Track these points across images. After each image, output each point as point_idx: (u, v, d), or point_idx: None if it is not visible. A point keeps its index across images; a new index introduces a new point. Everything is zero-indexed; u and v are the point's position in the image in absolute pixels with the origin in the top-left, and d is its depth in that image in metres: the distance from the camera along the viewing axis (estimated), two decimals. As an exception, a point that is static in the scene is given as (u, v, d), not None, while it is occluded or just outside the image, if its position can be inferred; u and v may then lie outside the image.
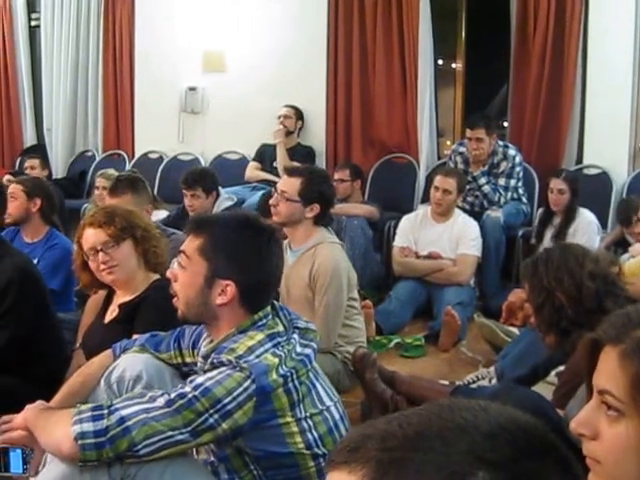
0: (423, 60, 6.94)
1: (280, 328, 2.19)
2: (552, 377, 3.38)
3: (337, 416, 2.22)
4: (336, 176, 6.24)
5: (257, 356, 2.07)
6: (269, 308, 2.25)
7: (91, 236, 3.19)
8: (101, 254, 3.16)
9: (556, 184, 5.66)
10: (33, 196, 4.67)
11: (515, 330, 4.32)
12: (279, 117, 7.09)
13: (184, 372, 2.55)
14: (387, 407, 3.52)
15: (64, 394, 2.60)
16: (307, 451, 2.14)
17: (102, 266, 3.17)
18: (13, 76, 8.97)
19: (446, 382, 3.81)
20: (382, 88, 7.13)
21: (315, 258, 3.92)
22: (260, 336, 2.13)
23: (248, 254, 2.22)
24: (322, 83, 7.34)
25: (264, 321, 2.20)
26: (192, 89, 7.78)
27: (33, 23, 9.01)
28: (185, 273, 2.25)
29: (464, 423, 0.82)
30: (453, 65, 7.67)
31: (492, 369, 3.82)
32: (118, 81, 8.31)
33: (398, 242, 5.66)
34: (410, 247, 5.59)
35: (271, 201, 4.06)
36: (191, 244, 2.26)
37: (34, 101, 9.01)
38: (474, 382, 3.82)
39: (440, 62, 7.51)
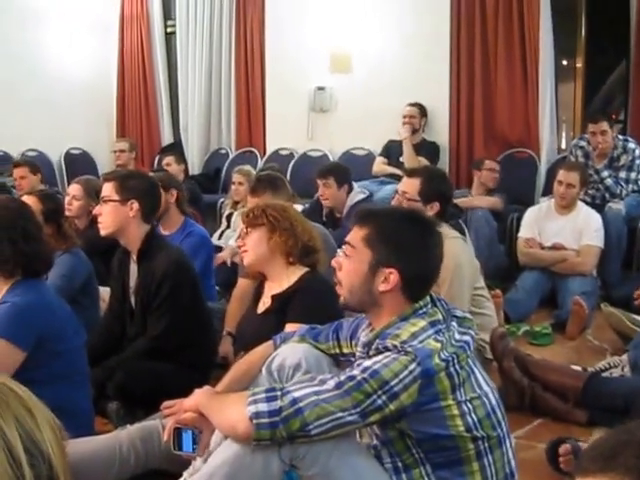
0: (544, 56, 7.09)
1: (439, 316, 2.23)
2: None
3: (494, 401, 2.24)
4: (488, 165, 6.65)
5: (420, 341, 2.12)
6: (428, 298, 2.30)
7: None
8: (239, 239, 3.53)
9: None
10: (169, 188, 4.88)
11: (642, 319, 4.51)
12: (404, 117, 7.33)
13: (341, 362, 2.65)
14: (523, 394, 3.72)
15: (229, 381, 2.73)
16: (467, 434, 2.16)
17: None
18: (151, 80, 9.49)
19: (578, 368, 3.96)
20: (503, 84, 7.31)
21: None
22: (422, 323, 2.19)
23: (411, 243, 2.28)
24: (445, 80, 7.54)
25: (424, 309, 2.25)
26: (320, 89, 8.12)
27: (169, 30, 9.52)
28: (350, 262, 2.32)
29: None
30: (572, 62, 7.75)
31: (624, 357, 3.95)
32: (250, 82, 8.69)
33: (523, 233, 5.84)
34: (535, 238, 5.76)
35: (393, 202, 4.21)
36: (356, 235, 2.32)
37: (171, 103, 9.52)
38: (606, 369, 3.97)
39: (560, 58, 7.58)
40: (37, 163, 7.14)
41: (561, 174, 5.71)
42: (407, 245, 2.28)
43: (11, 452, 1.49)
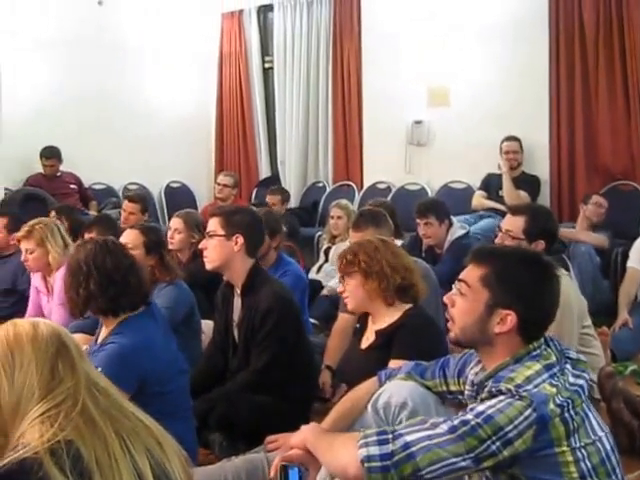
0: (646, 85, 6.94)
1: (553, 358, 2.19)
2: None
3: (608, 447, 2.17)
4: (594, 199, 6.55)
5: (535, 386, 2.08)
6: (542, 338, 2.27)
7: None
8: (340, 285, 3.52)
9: None
10: (274, 234, 4.87)
11: None
12: (507, 152, 7.26)
13: (448, 400, 2.62)
14: (634, 436, 3.60)
15: (335, 417, 2.76)
16: None
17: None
18: (249, 114, 9.68)
19: None
20: (605, 114, 7.19)
21: None
22: (537, 366, 2.15)
23: (530, 286, 2.24)
24: (545, 111, 7.46)
25: (539, 351, 2.21)
26: (418, 122, 8.13)
27: (266, 65, 9.71)
28: (465, 300, 2.30)
29: None
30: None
31: None
32: (347, 116, 8.77)
33: (633, 263, 5.63)
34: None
35: (496, 240, 4.09)
36: (473, 273, 2.30)
37: (268, 137, 9.68)
38: None
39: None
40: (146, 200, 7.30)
41: None
42: (526, 287, 2.25)
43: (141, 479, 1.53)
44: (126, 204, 6.87)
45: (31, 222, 4.86)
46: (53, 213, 6.13)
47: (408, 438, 2.09)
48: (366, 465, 2.08)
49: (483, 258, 2.34)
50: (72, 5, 8.60)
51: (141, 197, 7.23)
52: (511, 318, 2.21)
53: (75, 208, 7.04)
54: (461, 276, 2.35)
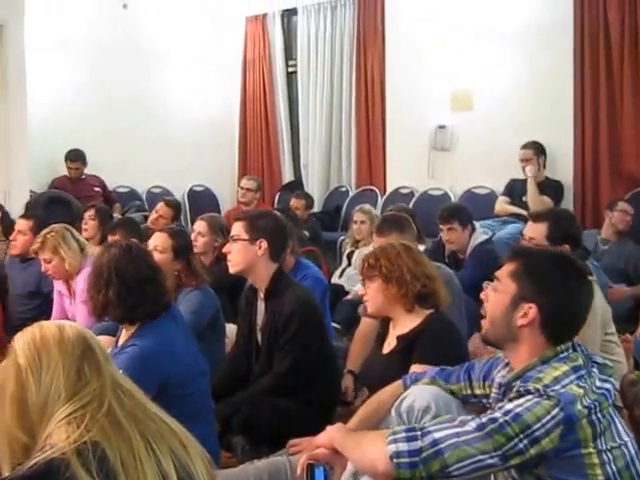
0: (672, 89, 6.89)
1: (580, 361, 2.21)
2: None
3: (633, 452, 2.19)
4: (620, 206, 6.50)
5: (563, 386, 2.11)
6: (569, 342, 2.29)
7: None
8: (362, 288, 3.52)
9: None
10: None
11: None
12: (521, 160, 7.22)
13: (472, 404, 2.65)
14: None
15: (359, 419, 2.78)
16: None
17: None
18: (272, 118, 9.71)
19: None
20: (630, 119, 7.15)
21: None
22: (564, 368, 2.17)
23: (556, 283, 2.28)
24: (568, 116, 7.42)
25: (566, 354, 2.24)
26: (441, 127, 8.12)
27: (290, 69, 9.74)
28: (495, 294, 2.36)
29: None
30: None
31: None
32: (370, 120, 8.77)
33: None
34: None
35: None
36: (505, 269, 2.37)
37: (292, 141, 9.71)
38: None
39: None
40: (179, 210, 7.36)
41: None
42: (550, 283, 2.29)
43: None
44: (161, 206, 6.92)
45: (43, 232, 4.85)
46: (92, 211, 6.17)
47: (436, 435, 2.12)
48: (395, 461, 2.10)
49: (516, 255, 2.42)
50: (97, 9, 8.70)
51: (177, 205, 7.29)
52: (533, 311, 2.26)
53: (110, 212, 7.08)
54: (496, 273, 2.42)
